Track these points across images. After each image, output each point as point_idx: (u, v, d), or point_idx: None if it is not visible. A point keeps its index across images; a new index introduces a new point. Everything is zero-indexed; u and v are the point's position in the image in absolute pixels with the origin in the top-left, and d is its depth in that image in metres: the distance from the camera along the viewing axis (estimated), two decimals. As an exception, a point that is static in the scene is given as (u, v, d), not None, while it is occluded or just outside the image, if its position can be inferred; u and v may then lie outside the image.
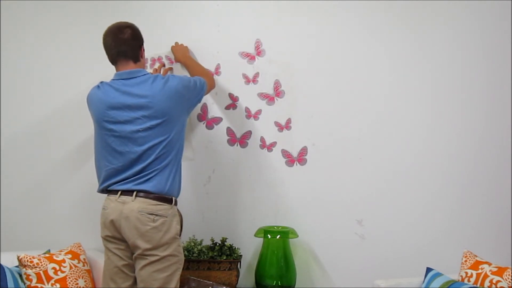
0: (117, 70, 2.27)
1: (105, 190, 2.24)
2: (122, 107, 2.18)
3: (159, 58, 2.73)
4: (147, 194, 2.15)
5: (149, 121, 2.16)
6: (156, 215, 2.14)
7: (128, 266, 2.22)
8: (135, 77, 2.22)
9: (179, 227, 2.25)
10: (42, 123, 2.89)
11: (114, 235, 2.19)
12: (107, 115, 2.19)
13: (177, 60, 2.70)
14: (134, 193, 2.15)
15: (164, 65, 2.73)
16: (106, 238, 2.23)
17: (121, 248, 2.21)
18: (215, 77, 2.81)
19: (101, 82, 2.28)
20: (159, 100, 2.17)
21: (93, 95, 2.27)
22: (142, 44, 2.30)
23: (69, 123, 2.86)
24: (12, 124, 2.89)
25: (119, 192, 2.17)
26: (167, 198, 2.19)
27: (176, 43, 2.76)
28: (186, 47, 2.76)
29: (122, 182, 2.18)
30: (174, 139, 2.22)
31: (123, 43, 2.22)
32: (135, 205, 2.13)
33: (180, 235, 2.25)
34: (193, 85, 2.34)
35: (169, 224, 2.18)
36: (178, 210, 2.28)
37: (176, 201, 2.25)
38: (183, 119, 2.30)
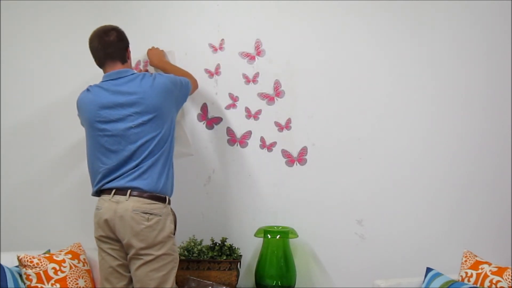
0: (104, 72, 2.30)
1: (99, 191, 2.25)
2: (114, 106, 2.20)
3: (138, 63, 2.73)
4: (141, 193, 2.16)
5: (140, 117, 2.19)
6: (151, 214, 2.15)
7: (122, 266, 2.22)
8: (124, 77, 2.25)
9: (173, 226, 2.26)
10: (42, 123, 2.89)
11: (108, 235, 2.20)
12: (99, 115, 2.21)
13: (152, 65, 2.67)
14: (128, 192, 2.16)
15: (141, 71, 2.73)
16: (100, 238, 2.23)
17: (115, 248, 2.21)
18: (215, 77, 2.82)
19: (90, 86, 2.31)
20: (150, 96, 2.20)
21: (84, 98, 2.29)
22: (128, 46, 2.34)
23: (70, 123, 2.84)
24: (12, 124, 2.88)
25: (113, 192, 2.18)
26: (161, 197, 2.21)
27: (152, 47, 2.71)
28: (162, 50, 2.71)
29: (115, 179, 2.19)
30: (165, 135, 2.25)
31: (110, 45, 2.26)
32: (129, 204, 2.14)
33: (174, 233, 2.26)
34: (179, 83, 2.37)
35: (164, 223, 2.19)
36: (171, 209, 2.29)
37: (169, 200, 2.27)
38: (172, 116, 2.32)
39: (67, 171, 2.88)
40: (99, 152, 2.23)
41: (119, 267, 2.22)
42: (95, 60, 2.31)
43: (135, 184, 2.16)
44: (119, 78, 2.25)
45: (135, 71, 2.31)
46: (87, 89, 2.30)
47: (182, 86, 2.39)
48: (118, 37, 2.29)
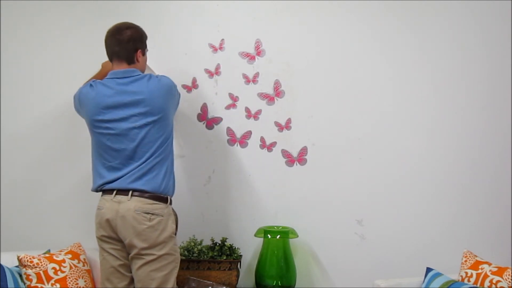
0: (112, 68, 2.29)
1: (99, 190, 2.25)
2: (118, 106, 2.19)
3: None
4: (143, 193, 2.17)
5: (144, 118, 2.19)
6: (152, 214, 2.16)
7: (124, 266, 2.23)
8: (130, 76, 2.24)
9: (174, 226, 2.26)
10: (42, 123, 2.89)
11: (110, 235, 2.20)
12: (102, 114, 2.20)
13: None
14: (130, 192, 2.16)
15: None
16: (101, 238, 2.23)
17: (117, 248, 2.21)
18: (215, 77, 2.82)
19: (94, 81, 2.30)
20: (156, 96, 2.21)
21: (87, 94, 2.27)
22: (141, 48, 2.31)
23: (70, 123, 2.85)
24: (12, 124, 2.88)
25: (115, 192, 2.18)
26: (162, 197, 2.21)
27: None
28: None
29: (117, 180, 2.18)
30: (167, 137, 2.25)
31: (118, 44, 2.25)
32: (131, 204, 2.14)
33: (175, 234, 2.26)
34: (176, 88, 2.39)
35: (165, 223, 2.19)
36: (173, 209, 2.30)
37: (171, 200, 2.27)
38: (172, 118, 2.33)
39: (67, 171, 2.88)
40: (101, 149, 2.23)
41: (121, 267, 2.22)
42: (107, 54, 2.31)
43: (136, 186, 2.16)
44: (125, 77, 2.24)
45: (141, 73, 2.30)
46: (90, 84, 2.28)
47: (177, 92, 2.42)
48: (130, 37, 2.26)
